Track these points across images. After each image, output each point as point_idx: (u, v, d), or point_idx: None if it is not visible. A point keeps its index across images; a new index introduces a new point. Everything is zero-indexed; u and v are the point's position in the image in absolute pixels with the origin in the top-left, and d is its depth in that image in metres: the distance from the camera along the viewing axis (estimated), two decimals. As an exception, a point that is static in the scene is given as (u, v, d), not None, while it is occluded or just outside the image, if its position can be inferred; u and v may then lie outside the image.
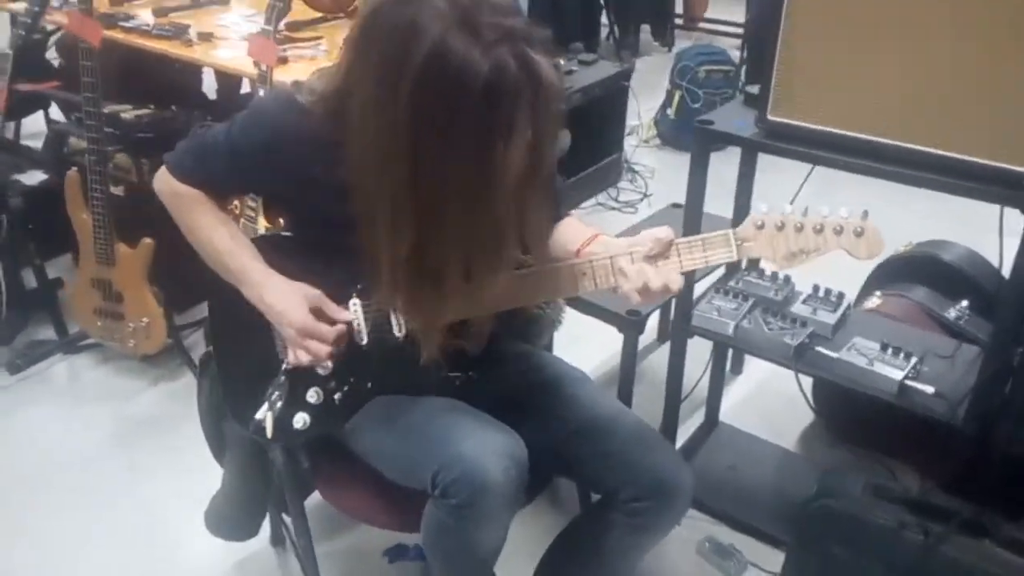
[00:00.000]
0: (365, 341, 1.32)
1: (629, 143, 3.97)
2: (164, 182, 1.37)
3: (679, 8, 5.83)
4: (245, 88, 3.81)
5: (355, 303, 1.31)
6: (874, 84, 1.45)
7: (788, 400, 2.29)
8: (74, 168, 2.32)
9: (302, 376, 1.34)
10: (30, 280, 2.59)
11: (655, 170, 3.83)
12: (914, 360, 1.66)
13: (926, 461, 1.92)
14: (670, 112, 4.09)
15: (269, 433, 1.33)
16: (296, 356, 1.29)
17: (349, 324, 1.30)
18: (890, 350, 1.68)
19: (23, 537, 1.96)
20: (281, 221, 1.68)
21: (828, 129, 1.52)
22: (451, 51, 0.99)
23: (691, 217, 1.74)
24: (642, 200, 3.56)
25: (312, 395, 1.34)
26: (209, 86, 3.55)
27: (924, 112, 1.42)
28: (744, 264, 1.99)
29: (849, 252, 1.18)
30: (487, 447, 1.20)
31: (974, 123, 1.38)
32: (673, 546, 1.93)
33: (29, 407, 2.36)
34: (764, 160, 1.85)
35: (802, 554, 1.66)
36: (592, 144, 3.51)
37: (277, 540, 1.93)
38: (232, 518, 1.71)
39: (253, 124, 1.28)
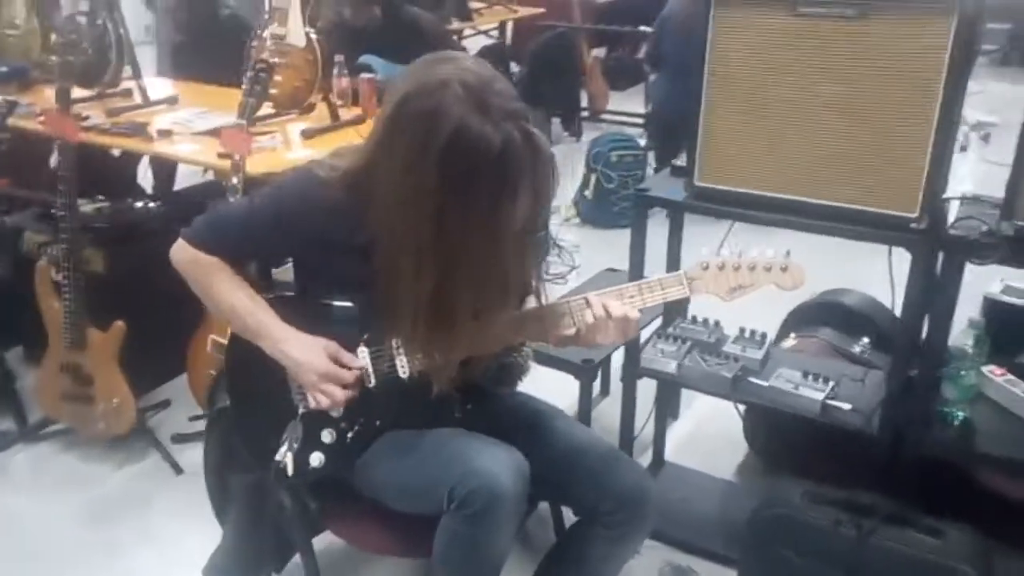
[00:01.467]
0: (373, 383, 1.49)
1: (552, 223, 4.28)
2: (182, 251, 1.54)
3: (584, 102, 6.32)
4: (181, 179, 3.99)
5: (363, 350, 1.49)
6: (779, 152, 1.76)
7: (723, 439, 2.55)
8: (43, 259, 2.42)
9: (316, 419, 1.50)
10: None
11: (579, 245, 4.14)
12: (831, 384, 1.94)
13: (847, 476, 2.17)
14: (587, 193, 4.44)
15: (290, 471, 1.48)
16: (317, 400, 1.45)
17: (362, 371, 1.48)
18: (811, 376, 1.95)
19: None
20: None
21: (744, 190, 1.82)
22: (470, 129, 1.23)
23: (635, 270, 1.99)
24: (571, 271, 3.85)
25: (326, 435, 1.50)
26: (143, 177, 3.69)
27: (822, 172, 1.73)
28: (685, 308, 2.26)
29: (778, 285, 1.44)
30: (499, 461, 1.38)
31: (864, 179, 1.69)
32: (636, 571, 2.11)
33: (-6, 497, 2.37)
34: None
35: (753, 561, 1.87)
36: (520, 224, 3.79)
37: (270, 599, 2.01)
38: (233, 572, 1.80)
39: (277, 197, 1.48)
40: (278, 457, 1.49)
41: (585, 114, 6.31)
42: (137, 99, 3.15)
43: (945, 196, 1.80)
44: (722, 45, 1.75)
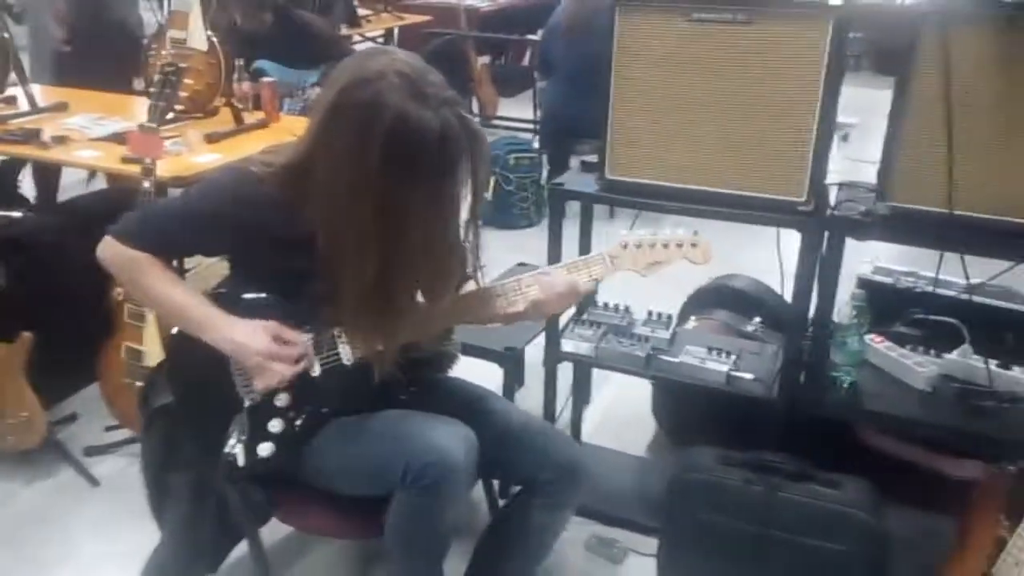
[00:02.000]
0: (318, 372, 1.54)
1: (453, 224, 4.38)
2: (111, 248, 1.53)
3: (475, 108, 6.44)
4: (65, 188, 3.85)
5: (305, 338, 1.53)
6: (681, 145, 1.92)
7: (633, 419, 2.71)
8: (-64, 272, 2.32)
9: (263, 410, 1.54)
10: None
11: (481, 246, 4.24)
12: (734, 357, 2.12)
13: (748, 443, 2.36)
14: (487, 195, 4.54)
15: (241, 462, 1.50)
16: (265, 380, 1.48)
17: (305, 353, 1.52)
18: (715, 352, 2.13)
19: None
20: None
21: (650, 182, 1.97)
22: (410, 116, 1.30)
23: (553, 260, 2.11)
24: (477, 272, 3.94)
25: (275, 425, 1.53)
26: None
27: (719, 163, 1.90)
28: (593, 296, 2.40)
29: (689, 259, 1.60)
30: (451, 436, 1.47)
31: (757, 168, 1.87)
32: (566, 546, 2.22)
33: None
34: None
35: (674, 524, 2.02)
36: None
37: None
38: (173, 571, 1.79)
39: (211, 193, 1.50)
40: (227, 449, 1.51)
41: (476, 119, 6.43)
42: (24, 106, 3.04)
43: (826, 183, 2.01)
44: (626, 49, 1.89)
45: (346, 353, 1.54)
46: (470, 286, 1.62)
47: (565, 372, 2.45)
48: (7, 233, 2.66)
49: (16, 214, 2.72)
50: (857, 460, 2.17)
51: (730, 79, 1.84)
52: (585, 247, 2.33)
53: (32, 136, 2.66)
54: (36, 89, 3.23)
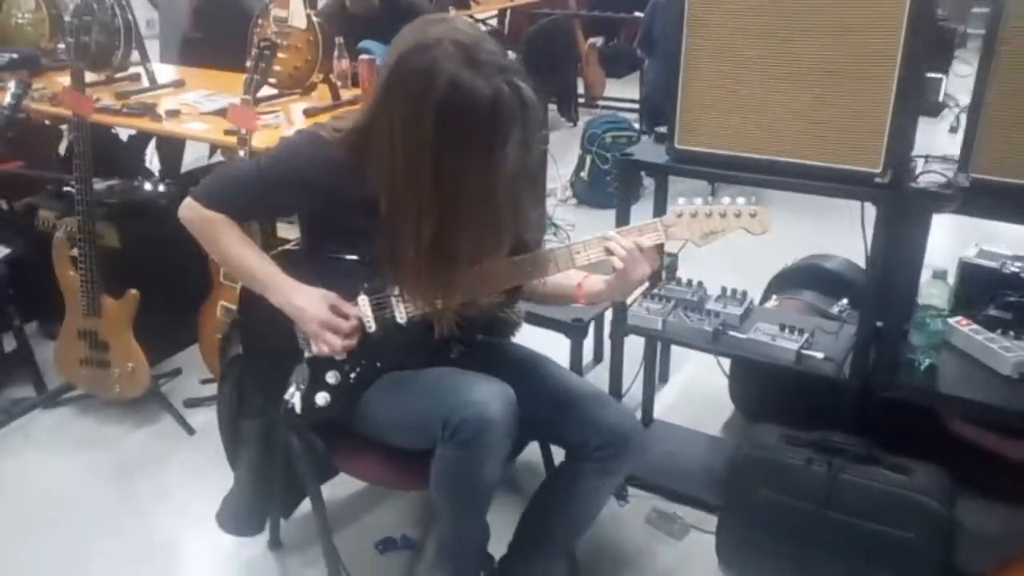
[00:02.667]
0: (373, 328, 1.61)
1: (549, 203, 4.41)
2: (192, 209, 1.65)
3: (581, 88, 6.43)
4: (187, 164, 4.12)
5: (363, 299, 1.60)
6: (753, 114, 1.87)
7: (710, 399, 2.67)
8: (60, 232, 2.54)
9: (321, 362, 1.62)
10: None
11: (574, 224, 4.25)
12: (806, 335, 2.05)
13: (824, 425, 2.29)
14: (583, 175, 4.55)
15: (299, 410, 1.60)
16: (319, 347, 1.57)
17: (359, 319, 1.60)
18: (787, 329, 2.07)
19: (26, 570, 2.10)
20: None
21: (721, 152, 1.93)
22: (463, 83, 1.35)
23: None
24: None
25: (331, 377, 1.62)
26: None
27: (793, 132, 1.84)
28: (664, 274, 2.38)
29: (747, 230, 1.56)
30: (489, 392, 1.51)
31: (832, 138, 1.80)
32: (626, 518, 2.24)
33: (13, 459, 2.49)
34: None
35: (733, 501, 1.99)
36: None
37: (275, 544, 2.12)
38: (243, 514, 1.92)
39: (283, 156, 1.60)
40: (286, 397, 1.61)
41: (582, 100, 6.42)
42: (145, 83, 3.28)
43: (913, 155, 1.92)
44: (699, 13, 1.86)
45: (401, 312, 1.60)
46: None
47: (642, 350, 2.46)
48: (125, 199, 2.89)
49: (128, 183, 2.92)
50: (940, 448, 2.08)
51: (803, 46, 1.78)
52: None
53: (148, 110, 2.88)
54: (159, 68, 3.49)
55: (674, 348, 2.80)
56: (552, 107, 6.20)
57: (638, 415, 2.60)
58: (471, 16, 6.21)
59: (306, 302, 1.58)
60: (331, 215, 1.59)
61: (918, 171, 1.86)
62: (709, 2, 1.85)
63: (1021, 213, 1.68)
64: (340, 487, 2.28)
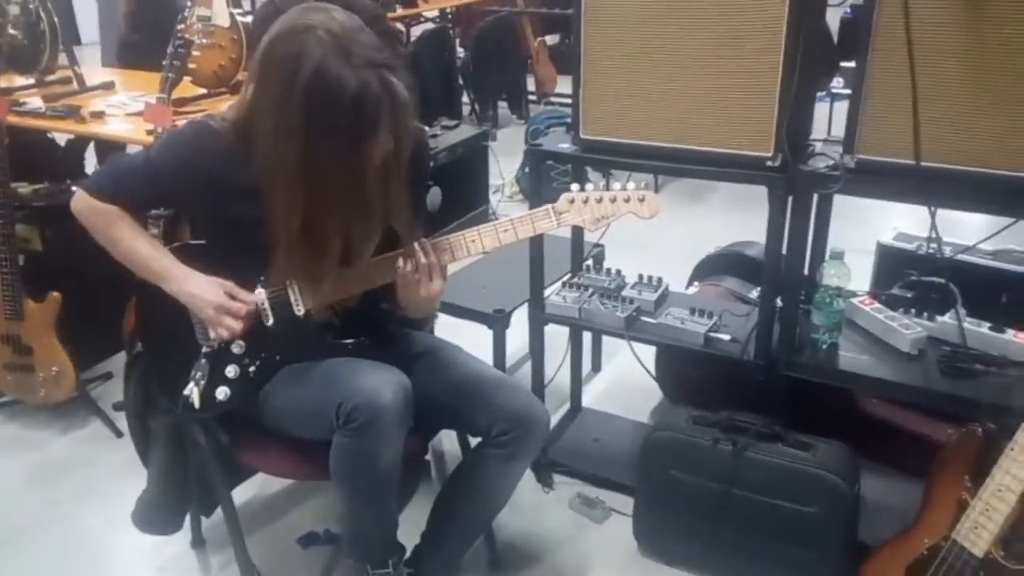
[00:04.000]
0: (271, 321, 1.62)
1: (496, 199, 4.44)
2: (83, 201, 1.65)
3: (531, 86, 6.46)
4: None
5: (260, 291, 1.62)
6: (652, 102, 1.90)
7: (640, 388, 2.70)
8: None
9: (221, 356, 1.63)
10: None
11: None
12: (715, 319, 2.09)
13: (741, 406, 2.34)
14: (528, 170, 4.57)
15: (197, 404, 1.60)
16: (216, 332, 1.58)
17: (257, 307, 1.61)
18: (696, 313, 2.11)
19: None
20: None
21: (623, 140, 1.96)
22: (329, 72, 1.36)
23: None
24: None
25: (230, 370, 1.63)
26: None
27: (690, 120, 1.87)
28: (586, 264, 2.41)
29: (636, 214, 1.59)
30: (380, 379, 1.52)
31: (727, 124, 1.84)
32: (550, 504, 2.27)
33: (-61, 466, 2.47)
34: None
35: (647, 482, 2.02)
36: (460, 198, 3.93)
37: (197, 543, 2.12)
38: (158, 513, 1.92)
39: (172, 145, 1.61)
40: (186, 392, 1.62)
41: (533, 98, 6.45)
42: (75, 86, 3.25)
43: (810, 140, 1.96)
44: (595, 6, 1.89)
45: (297, 303, 1.61)
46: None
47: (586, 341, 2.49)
48: (51, 202, 2.87)
49: (55, 186, 2.90)
50: (849, 424, 2.13)
51: (694, 34, 1.81)
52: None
53: (72, 112, 2.85)
54: (92, 71, 3.46)
55: (607, 338, 2.83)
56: (503, 104, 6.24)
57: (567, 405, 2.64)
58: (418, 14, 6.23)
59: (199, 288, 1.59)
60: (222, 205, 1.59)
61: (815, 154, 1.90)
62: (603, -8, 1.88)
63: (901, 191, 1.72)
64: (262, 484, 2.29)
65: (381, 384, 1.51)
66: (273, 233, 1.49)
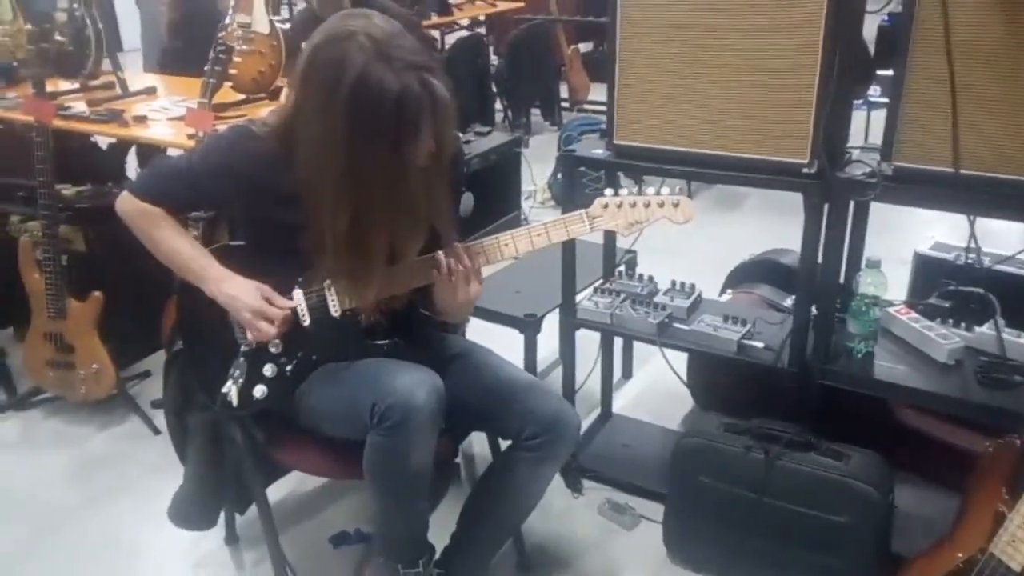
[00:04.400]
0: (308, 322, 1.65)
1: (528, 205, 4.46)
2: (129, 203, 1.69)
3: (564, 93, 6.47)
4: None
5: (298, 292, 1.64)
6: (687, 108, 1.90)
7: (671, 395, 2.69)
8: (24, 235, 2.59)
9: (258, 355, 1.66)
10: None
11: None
12: (748, 326, 2.08)
13: (774, 413, 2.32)
14: (560, 176, 4.58)
15: (235, 402, 1.63)
16: (252, 334, 1.61)
17: (293, 310, 1.63)
18: (730, 320, 2.10)
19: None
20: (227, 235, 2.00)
21: (657, 146, 1.97)
22: (371, 76, 1.39)
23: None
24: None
25: (268, 369, 1.65)
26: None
27: (725, 126, 1.87)
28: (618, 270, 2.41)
29: (670, 219, 1.59)
30: (413, 379, 1.54)
31: (762, 131, 1.83)
32: (580, 509, 2.27)
33: (-17, 459, 2.54)
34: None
35: (677, 489, 2.02)
36: (493, 204, 3.96)
37: (231, 539, 2.16)
38: (193, 508, 1.96)
39: (213, 149, 1.65)
40: (224, 390, 1.65)
41: (565, 105, 6.46)
42: (118, 91, 3.33)
43: (847, 147, 1.95)
44: (629, 13, 1.90)
45: (334, 304, 1.64)
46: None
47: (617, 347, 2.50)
48: (94, 203, 2.94)
49: (98, 188, 2.97)
50: (884, 434, 2.11)
51: (731, 41, 1.81)
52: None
53: (116, 116, 2.92)
54: (135, 76, 3.54)
55: (639, 344, 2.83)
56: (535, 111, 6.26)
57: (597, 410, 2.64)
58: (453, 22, 6.28)
59: (238, 291, 1.62)
60: (262, 209, 1.62)
61: (852, 161, 1.89)
62: (638, 1, 1.88)
63: (939, 199, 1.70)
64: (296, 483, 2.32)
65: (415, 385, 1.53)
66: (318, 237, 1.52)
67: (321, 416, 1.67)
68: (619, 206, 1.59)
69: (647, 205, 1.58)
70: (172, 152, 3.94)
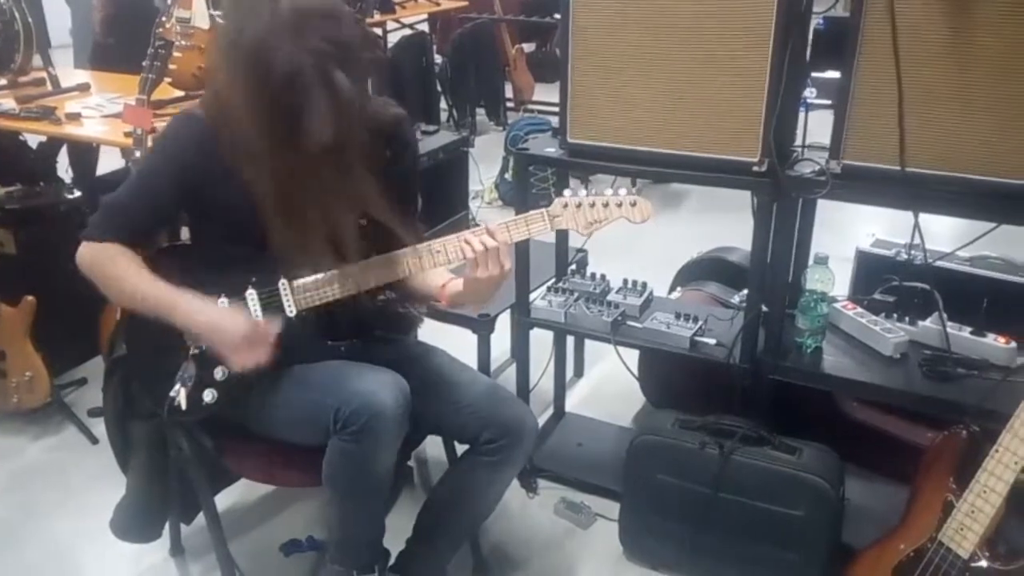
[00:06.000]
0: (262, 319, 1.58)
1: (475, 205, 4.43)
2: (84, 251, 1.56)
3: (509, 92, 6.47)
4: (101, 169, 4.02)
5: (251, 293, 1.58)
6: (639, 107, 1.91)
7: (623, 393, 2.71)
8: (-50, 239, 2.47)
9: (208, 358, 1.60)
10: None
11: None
12: (700, 323, 2.10)
13: (727, 410, 2.34)
14: (507, 175, 4.58)
15: (184, 406, 1.57)
16: (242, 362, 1.52)
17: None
18: (682, 317, 2.12)
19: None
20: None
21: (610, 145, 1.97)
22: (267, 42, 1.32)
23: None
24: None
25: (219, 373, 1.59)
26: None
27: (676, 124, 1.88)
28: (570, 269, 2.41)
29: (628, 219, 1.57)
30: (378, 382, 1.51)
31: (712, 129, 1.85)
32: (535, 509, 2.27)
33: (-92, 474, 2.41)
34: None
35: (633, 486, 2.02)
36: (441, 203, 3.92)
37: (176, 551, 2.09)
38: (136, 520, 1.88)
39: (159, 144, 1.57)
40: (172, 393, 1.58)
41: (510, 105, 6.46)
42: (49, 87, 3.19)
43: (795, 145, 1.98)
44: (581, 11, 1.89)
45: (289, 304, 1.58)
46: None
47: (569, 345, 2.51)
48: (23, 204, 2.82)
49: (28, 188, 2.85)
50: (834, 428, 2.15)
51: (680, 41, 1.82)
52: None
53: (47, 113, 2.80)
54: (67, 72, 3.41)
55: (590, 343, 2.84)
56: (480, 111, 6.24)
57: (550, 410, 2.63)
58: (396, 20, 6.22)
59: (220, 316, 1.52)
60: (207, 193, 1.54)
61: (800, 160, 1.92)
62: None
63: (885, 196, 1.74)
64: (244, 490, 2.26)
65: (380, 387, 1.49)
66: (259, 213, 1.46)
67: (277, 422, 1.62)
68: (579, 206, 1.57)
69: (606, 205, 1.57)
70: (106, 151, 3.83)
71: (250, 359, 1.52)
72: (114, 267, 1.54)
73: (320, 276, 1.57)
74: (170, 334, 1.61)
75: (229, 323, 1.51)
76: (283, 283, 1.58)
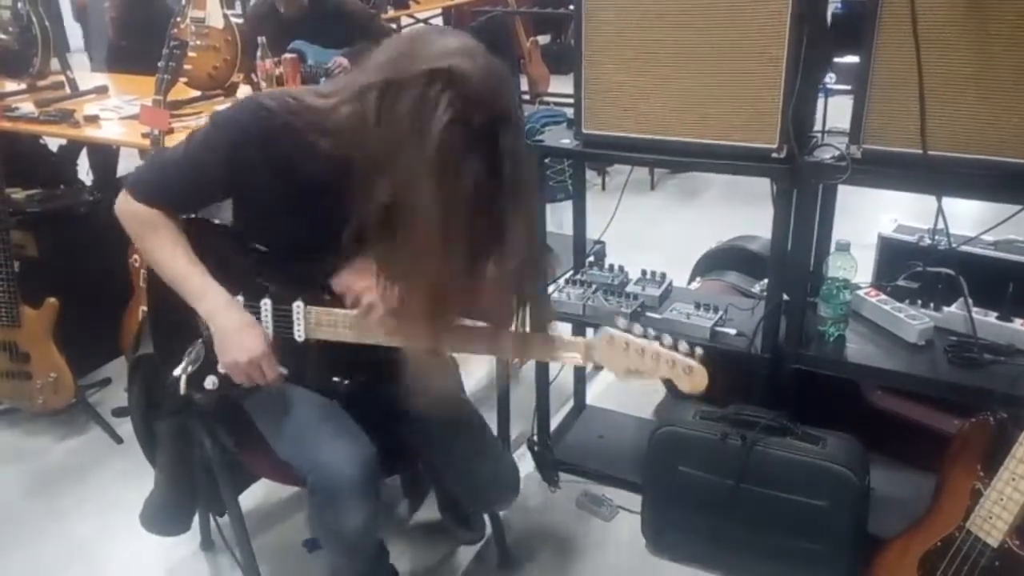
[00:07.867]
0: (271, 337, 1.53)
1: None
2: (124, 203, 1.48)
3: (524, 86, 6.45)
4: (122, 171, 4.05)
5: (267, 303, 1.53)
6: (655, 96, 1.88)
7: (643, 383, 2.68)
8: (-26, 242, 2.49)
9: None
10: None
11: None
12: (720, 313, 2.08)
13: (750, 400, 2.31)
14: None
15: (182, 389, 1.53)
16: (249, 378, 1.48)
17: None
18: (702, 307, 2.10)
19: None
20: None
21: (626, 135, 1.95)
22: (452, 144, 1.16)
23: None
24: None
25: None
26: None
27: (693, 113, 1.86)
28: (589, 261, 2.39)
29: (675, 383, 1.33)
30: (341, 455, 1.49)
31: (730, 117, 1.82)
32: (557, 502, 2.26)
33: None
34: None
35: (654, 478, 2.01)
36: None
37: (207, 545, 2.10)
38: (166, 513, 1.90)
39: (216, 130, 1.41)
40: (175, 372, 1.53)
41: (526, 97, 6.44)
42: (67, 90, 3.22)
43: (815, 131, 1.95)
44: (596, 1, 1.88)
45: (299, 330, 1.52)
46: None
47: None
48: (44, 208, 2.85)
49: (49, 191, 2.88)
50: (858, 417, 2.12)
51: (696, 29, 1.80)
52: (579, 211, 2.33)
53: (66, 116, 2.83)
54: (85, 76, 3.43)
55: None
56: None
57: (571, 403, 2.62)
58: (410, 15, 6.21)
59: (241, 328, 1.46)
60: (249, 194, 1.44)
61: (820, 145, 1.89)
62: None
63: (907, 180, 1.71)
64: (270, 487, 2.26)
65: (341, 460, 1.48)
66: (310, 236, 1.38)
67: (269, 441, 1.61)
68: (625, 347, 1.33)
69: (656, 357, 1.32)
70: (126, 152, 3.85)
71: (244, 379, 1.49)
72: (156, 237, 1.48)
73: (339, 313, 1.49)
74: (191, 332, 1.60)
75: (247, 341, 1.47)
76: (298, 305, 1.51)
